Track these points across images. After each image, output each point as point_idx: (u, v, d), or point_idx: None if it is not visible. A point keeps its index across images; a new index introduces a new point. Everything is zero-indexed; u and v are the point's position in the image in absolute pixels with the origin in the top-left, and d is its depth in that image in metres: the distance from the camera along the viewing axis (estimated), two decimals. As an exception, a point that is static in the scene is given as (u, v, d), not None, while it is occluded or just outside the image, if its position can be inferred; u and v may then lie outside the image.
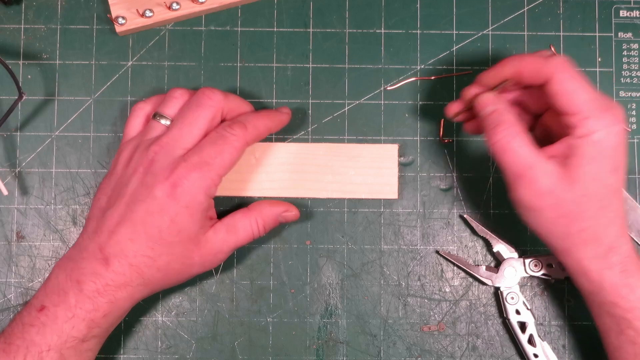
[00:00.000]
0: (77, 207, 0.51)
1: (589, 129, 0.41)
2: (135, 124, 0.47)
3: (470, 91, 0.46)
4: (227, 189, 0.50)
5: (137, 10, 0.51)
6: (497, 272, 0.50)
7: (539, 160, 0.42)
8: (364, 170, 0.51)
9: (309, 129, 0.52)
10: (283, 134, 0.52)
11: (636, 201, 0.51)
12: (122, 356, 0.50)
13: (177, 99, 0.46)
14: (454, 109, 0.47)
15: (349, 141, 0.52)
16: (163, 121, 0.46)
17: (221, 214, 0.47)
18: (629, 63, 0.53)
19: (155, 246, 0.43)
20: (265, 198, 0.51)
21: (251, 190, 0.51)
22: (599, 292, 0.42)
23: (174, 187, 0.42)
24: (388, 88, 0.53)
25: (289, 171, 0.51)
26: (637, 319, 0.42)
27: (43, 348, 0.41)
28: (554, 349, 0.49)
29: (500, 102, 0.44)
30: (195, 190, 0.43)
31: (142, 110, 0.48)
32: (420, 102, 0.53)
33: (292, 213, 0.49)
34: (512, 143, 0.42)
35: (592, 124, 0.41)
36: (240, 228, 0.47)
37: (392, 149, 0.51)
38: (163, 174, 0.43)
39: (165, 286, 0.45)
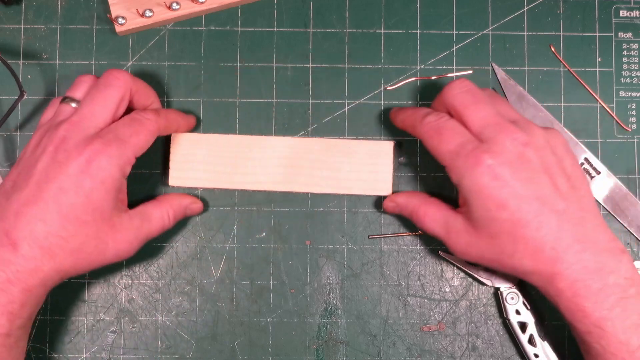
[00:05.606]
0: (77, 207, 0.51)
1: (455, 179, 0.42)
2: (50, 113, 0.46)
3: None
4: (222, 182, 0.50)
5: (137, 10, 0.51)
6: (496, 272, 0.50)
7: (450, 220, 0.44)
8: (359, 166, 0.51)
9: (309, 129, 0.52)
10: (283, 134, 0.52)
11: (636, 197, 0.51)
12: (122, 356, 0.50)
13: (85, 83, 0.46)
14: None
15: (349, 141, 0.52)
16: (72, 104, 0.45)
17: (131, 205, 0.47)
18: (629, 63, 0.53)
19: (69, 225, 0.41)
20: (260, 191, 0.51)
21: (246, 184, 0.50)
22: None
23: (89, 162, 0.41)
24: (388, 88, 0.53)
25: (284, 165, 0.51)
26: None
27: None
28: (554, 349, 0.49)
29: (401, 197, 0.49)
30: (111, 166, 0.42)
31: (58, 100, 0.46)
32: (420, 102, 0.53)
33: (197, 205, 0.50)
34: (425, 218, 0.46)
35: (454, 174, 0.42)
36: (154, 217, 0.46)
37: (387, 146, 0.51)
38: (77, 149, 0.41)
39: (77, 272, 0.43)
